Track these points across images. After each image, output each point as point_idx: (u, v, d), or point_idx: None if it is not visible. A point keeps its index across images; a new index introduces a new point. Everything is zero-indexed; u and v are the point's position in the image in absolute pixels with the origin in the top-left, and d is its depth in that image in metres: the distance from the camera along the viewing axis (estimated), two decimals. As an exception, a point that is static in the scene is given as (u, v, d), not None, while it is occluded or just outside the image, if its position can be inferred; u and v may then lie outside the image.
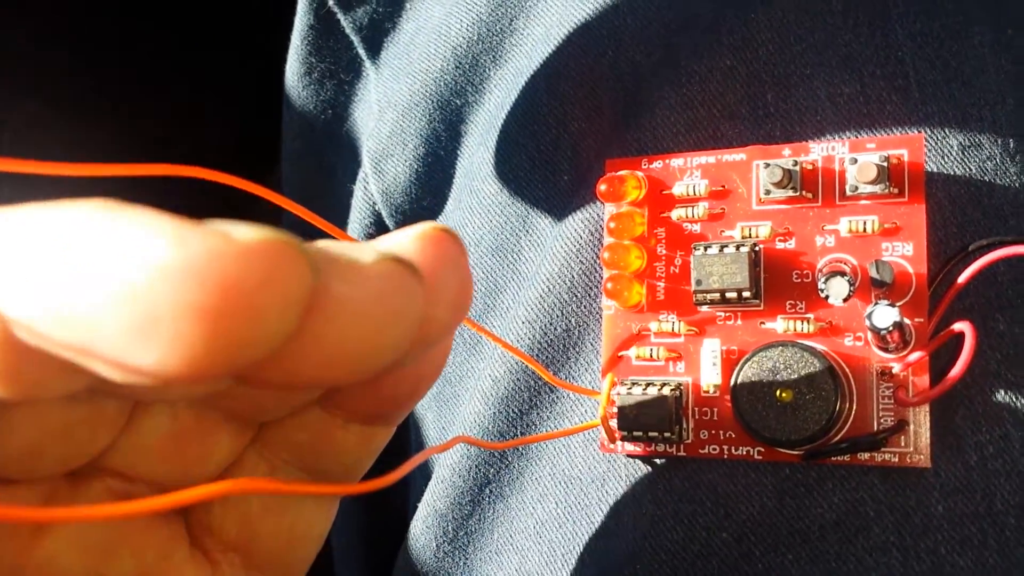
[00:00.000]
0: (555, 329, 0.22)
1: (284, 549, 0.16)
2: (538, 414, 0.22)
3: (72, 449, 0.13)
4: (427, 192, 0.26)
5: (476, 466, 0.22)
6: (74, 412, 0.13)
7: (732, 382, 0.19)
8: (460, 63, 0.26)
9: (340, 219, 0.29)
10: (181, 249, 0.09)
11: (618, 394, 0.20)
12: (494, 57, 0.25)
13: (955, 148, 0.20)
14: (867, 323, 0.17)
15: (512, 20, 0.25)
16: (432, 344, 0.12)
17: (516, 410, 0.22)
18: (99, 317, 0.09)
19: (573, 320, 0.22)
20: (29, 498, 0.13)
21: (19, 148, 0.41)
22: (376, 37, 0.28)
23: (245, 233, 0.09)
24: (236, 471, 0.15)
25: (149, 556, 0.14)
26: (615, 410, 0.20)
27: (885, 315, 0.17)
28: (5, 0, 0.38)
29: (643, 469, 0.20)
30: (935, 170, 0.19)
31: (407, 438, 0.27)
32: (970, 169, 0.19)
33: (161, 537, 0.15)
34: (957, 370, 0.17)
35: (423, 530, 0.23)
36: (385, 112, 0.27)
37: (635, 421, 0.19)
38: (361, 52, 0.29)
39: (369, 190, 0.28)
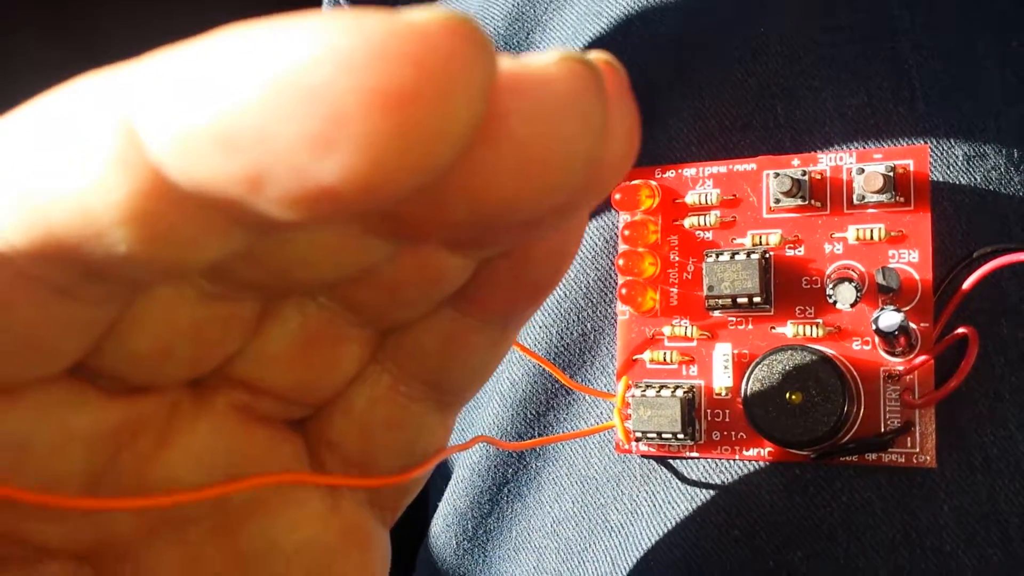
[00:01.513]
0: (571, 333, 0.22)
1: (404, 464, 0.15)
2: (555, 416, 0.23)
3: (202, 351, 0.12)
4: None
5: (495, 466, 0.23)
6: (207, 309, 0.12)
7: (743, 385, 0.19)
8: None
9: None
10: (358, 33, 0.08)
11: (632, 396, 0.20)
12: None
13: (960, 158, 0.20)
14: (873, 327, 0.18)
15: (529, 34, 0.25)
16: (598, 192, 0.11)
17: (534, 412, 0.23)
18: (271, 127, 0.08)
19: (589, 325, 0.22)
20: (154, 411, 0.13)
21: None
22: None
23: (422, 14, 0.08)
24: (359, 385, 0.14)
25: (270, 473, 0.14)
26: (629, 412, 0.21)
27: (891, 319, 0.18)
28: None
29: (657, 469, 0.21)
30: (941, 179, 0.20)
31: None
32: (975, 178, 0.20)
33: (284, 455, 0.14)
34: (960, 373, 0.17)
35: (443, 528, 0.24)
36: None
37: (649, 423, 0.20)
38: None
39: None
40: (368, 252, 0.11)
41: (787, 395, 0.19)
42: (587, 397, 0.22)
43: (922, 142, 0.20)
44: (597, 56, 0.10)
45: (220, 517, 0.13)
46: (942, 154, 0.20)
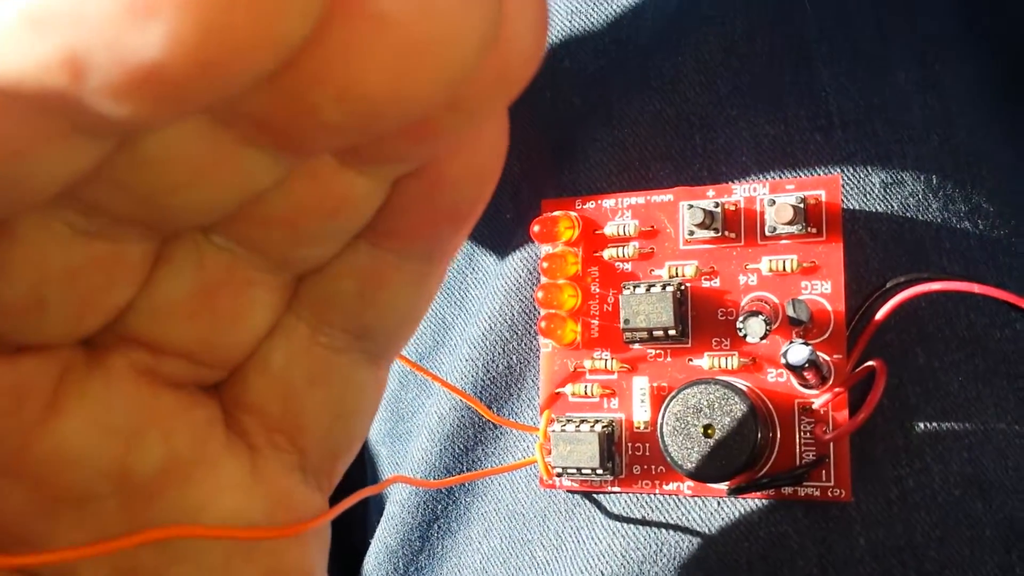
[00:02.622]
0: (497, 366, 0.22)
1: (334, 424, 0.14)
2: (483, 450, 0.22)
3: (84, 302, 0.11)
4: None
5: (424, 503, 0.23)
6: (83, 250, 0.10)
7: (659, 419, 0.19)
8: None
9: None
10: None
11: (553, 431, 0.20)
12: None
13: (877, 185, 0.20)
14: (783, 361, 0.18)
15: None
16: (504, 89, 0.09)
17: (461, 446, 0.23)
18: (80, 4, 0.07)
19: (514, 357, 0.22)
20: (40, 372, 0.11)
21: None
22: None
23: None
24: (275, 339, 0.13)
25: (180, 442, 0.12)
26: (552, 447, 0.20)
27: (799, 354, 0.18)
28: None
29: (581, 504, 0.21)
30: (857, 207, 0.20)
31: (362, 474, 0.27)
32: (892, 206, 0.20)
33: (194, 420, 0.12)
34: (868, 406, 0.17)
35: (375, 566, 0.24)
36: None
37: (569, 458, 0.20)
38: None
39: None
40: (247, 171, 0.10)
41: (702, 429, 0.19)
42: (514, 431, 0.22)
43: (838, 170, 0.20)
44: None
45: (128, 493, 0.12)
46: (859, 182, 0.20)
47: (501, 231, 0.23)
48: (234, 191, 0.10)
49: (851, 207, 0.20)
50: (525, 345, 0.22)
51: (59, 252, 0.10)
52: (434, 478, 0.23)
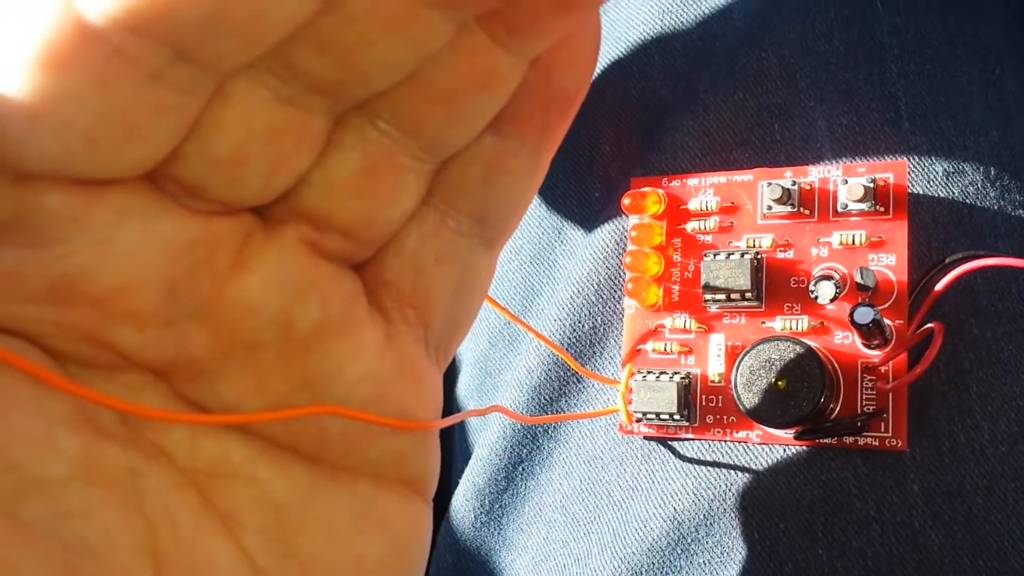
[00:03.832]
0: (583, 326, 0.25)
1: (454, 301, 0.16)
2: (566, 401, 0.25)
3: (275, 160, 0.13)
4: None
5: (511, 446, 0.25)
6: (280, 114, 0.12)
7: (734, 371, 0.21)
8: None
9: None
10: None
11: (635, 381, 0.23)
12: None
13: (940, 174, 0.22)
14: (849, 320, 0.20)
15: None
16: None
17: (547, 397, 0.25)
18: None
19: (599, 319, 0.25)
20: (230, 232, 0.13)
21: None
22: None
23: None
24: (410, 224, 0.15)
25: (333, 306, 0.14)
26: (632, 396, 0.23)
27: (864, 313, 0.20)
28: None
29: (656, 449, 0.23)
30: (921, 192, 0.22)
31: (450, 429, 0.30)
32: (953, 193, 0.22)
33: (346, 289, 0.15)
34: (926, 359, 0.19)
35: (463, 503, 0.26)
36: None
37: (649, 404, 0.22)
38: None
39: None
40: (426, 28, 0.12)
41: (773, 381, 0.21)
42: (595, 384, 0.24)
43: (904, 158, 0.22)
44: None
45: (287, 344, 0.14)
46: (923, 170, 0.22)
47: (590, 208, 0.26)
48: (414, 48, 0.12)
49: (916, 192, 0.22)
50: (609, 308, 0.25)
51: (261, 114, 0.12)
52: (523, 425, 0.25)
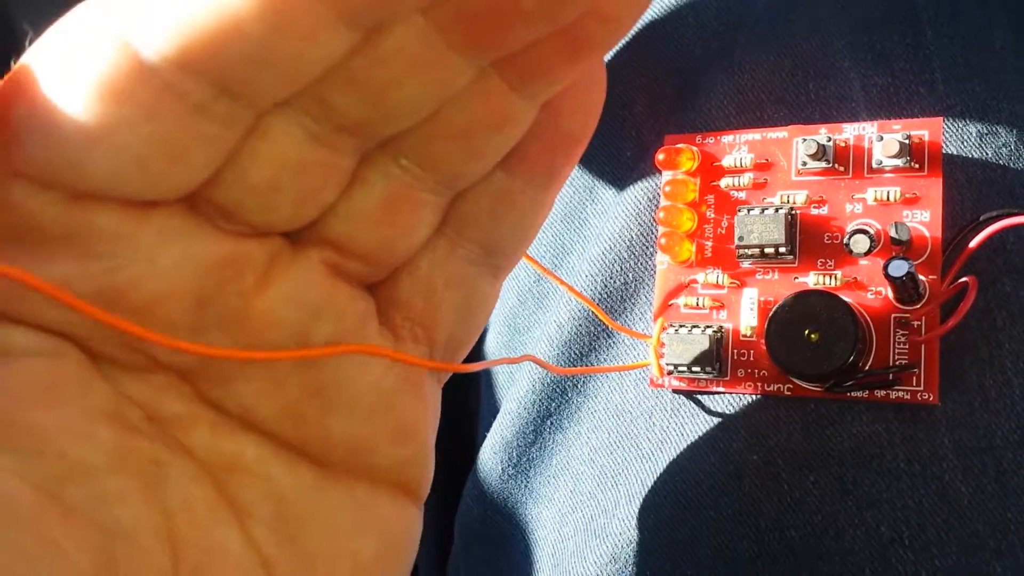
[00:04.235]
0: (614, 282, 0.25)
1: (459, 322, 0.18)
2: (596, 356, 0.25)
3: (306, 193, 0.14)
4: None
5: (539, 400, 0.26)
6: (311, 151, 0.14)
7: (768, 322, 0.21)
8: None
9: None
10: None
11: (667, 334, 0.23)
12: None
13: (974, 135, 0.22)
14: (884, 273, 0.20)
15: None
16: (633, 2, 0.13)
17: (577, 352, 0.25)
18: None
19: (631, 275, 0.25)
20: (258, 252, 0.15)
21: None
22: None
23: None
24: (424, 250, 0.17)
25: (347, 323, 0.16)
26: (663, 351, 0.23)
27: (899, 266, 0.20)
28: None
29: (686, 403, 0.23)
30: (955, 153, 0.22)
31: (479, 382, 0.30)
32: (987, 153, 0.22)
33: (360, 309, 0.16)
34: (960, 312, 0.19)
35: (491, 455, 0.26)
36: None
37: (681, 356, 0.22)
38: None
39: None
40: (449, 71, 0.13)
41: (806, 334, 0.21)
42: (626, 340, 0.25)
43: (940, 117, 0.22)
44: None
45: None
46: (957, 131, 0.22)
47: (622, 167, 0.26)
48: (438, 89, 0.14)
49: (950, 152, 0.22)
50: (641, 265, 0.25)
51: (295, 150, 0.14)
52: (552, 379, 0.25)
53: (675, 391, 0.24)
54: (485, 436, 0.27)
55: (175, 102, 0.12)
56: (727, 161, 0.23)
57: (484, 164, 0.16)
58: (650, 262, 0.25)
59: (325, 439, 0.16)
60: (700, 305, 0.23)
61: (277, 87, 0.13)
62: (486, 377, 0.29)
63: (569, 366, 0.25)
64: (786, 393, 0.22)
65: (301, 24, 0.12)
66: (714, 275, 0.23)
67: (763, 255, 0.22)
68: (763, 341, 0.22)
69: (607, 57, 0.27)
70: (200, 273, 0.14)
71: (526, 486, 0.26)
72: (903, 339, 0.21)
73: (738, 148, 0.23)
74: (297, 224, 0.15)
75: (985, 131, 0.22)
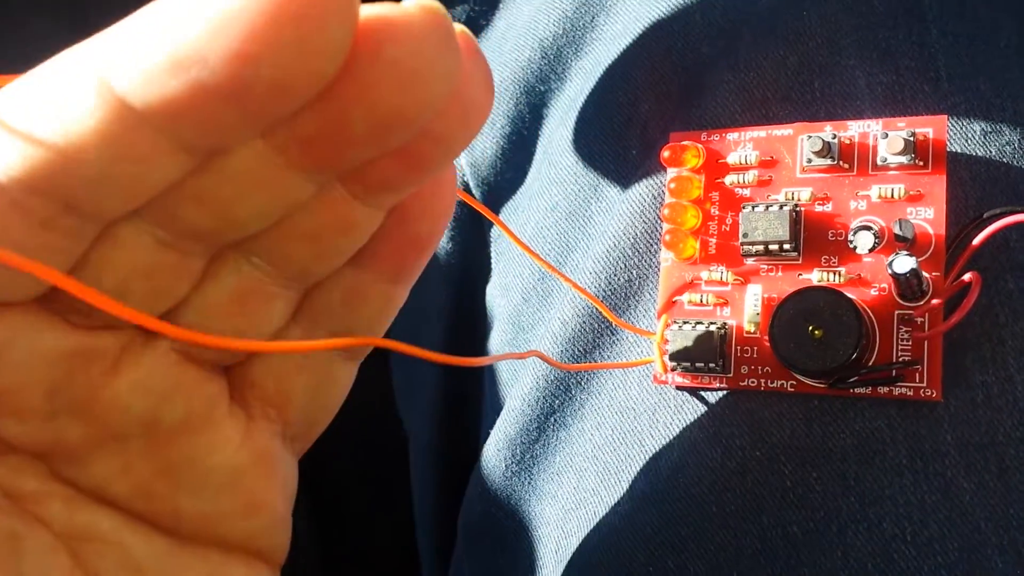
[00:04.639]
0: (618, 279, 0.25)
1: (311, 404, 0.18)
2: (600, 353, 0.25)
3: (155, 294, 0.15)
4: (511, 166, 0.30)
5: (543, 397, 0.26)
6: (160, 256, 0.15)
7: (772, 318, 0.21)
8: (546, 54, 0.29)
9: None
10: None
11: (671, 330, 0.23)
12: (576, 49, 0.29)
13: (978, 133, 0.22)
14: (888, 270, 0.20)
15: (594, 17, 0.28)
16: (470, 131, 0.14)
17: (581, 348, 0.25)
18: (207, 48, 0.11)
19: (634, 272, 0.25)
20: (110, 343, 0.15)
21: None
22: (471, 32, 0.32)
23: None
24: (278, 336, 0.17)
25: (197, 405, 0.17)
26: (667, 347, 0.23)
27: (903, 263, 0.20)
28: None
29: (690, 400, 0.23)
30: (959, 151, 0.22)
31: (483, 379, 0.30)
32: (990, 151, 0.22)
33: (210, 391, 0.17)
34: (963, 308, 0.19)
35: (494, 453, 0.26)
36: (477, 96, 0.31)
37: (685, 353, 0.23)
38: None
39: (459, 163, 0.31)
40: (289, 187, 0.14)
41: (810, 330, 0.21)
42: (630, 337, 0.25)
43: (944, 115, 0.22)
44: (457, 24, 0.14)
45: (154, 435, 0.16)
46: (961, 129, 0.22)
47: (627, 165, 0.26)
48: (279, 202, 0.15)
49: (954, 150, 0.22)
50: (645, 262, 0.25)
51: (145, 255, 0.15)
52: (556, 376, 0.25)
53: (679, 387, 0.24)
54: (489, 433, 0.27)
55: (22, 217, 0.13)
56: (732, 158, 0.23)
57: (332, 263, 0.17)
58: (654, 259, 0.25)
59: (175, 514, 0.17)
60: (704, 302, 0.23)
61: (120, 204, 0.14)
62: (490, 375, 0.29)
63: (573, 363, 0.25)
64: (789, 389, 0.22)
65: (139, 151, 0.13)
66: (718, 272, 0.23)
67: (767, 252, 0.22)
68: (767, 337, 0.22)
69: (611, 58, 0.27)
70: (50, 365, 0.15)
71: (530, 483, 0.26)
72: (906, 336, 0.21)
73: (743, 145, 0.24)
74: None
75: (989, 129, 0.22)
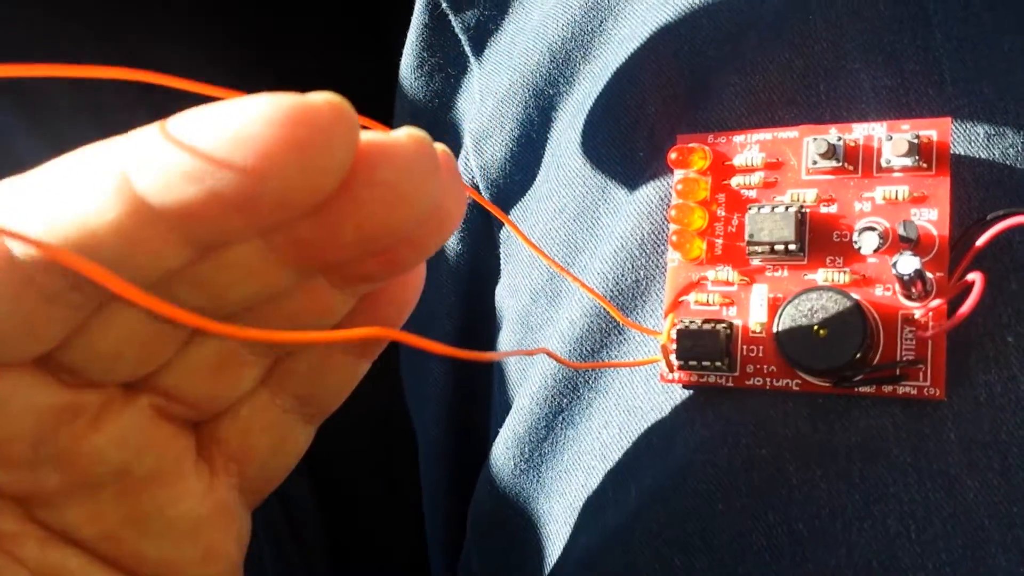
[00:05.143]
0: (625, 280, 0.25)
1: (270, 461, 0.20)
2: (608, 353, 0.26)
3: (145, 358, 0.17)
4: (520, 168, 0.30)
5: (551, 396, 0.26)
6: (155, 326, 0.16)
7: (776, 318, 0.22)
8: (554, 58, 0.30)
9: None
10: (278, 106, 0.13)
11: (677, 329, 0.23)
12: (584, 53, 0.29)
13: (982, 135, 0.23)
14: (893, 270, 0.20)
15: (602, 21, 0.29)
16: (443, 237, 0.16)
17: (589, 348, 0.26)
18: (221, 162, 0.13)
19: (641, 273, 0.25)
20: (93, 399, 0.17)
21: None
22: (481, 36, 0.33)
23: (317, 96, 0.13)
24: (247, 400, 0.19)
25: (167, 459, 0.18)
26: (674, 346, 0.23)
27: (908, 263, 0.20)
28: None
29: (695, 398, 0.24)
30: (963, 153, 0.23)
31: (491, 378, 0.31)
32: (994, 154, 0.22)
33: (179, 446, 0.18)
34: (967, 306, 0.20)
35: (503, 450, 0.27)
36: (486, 99, 0.31)
37: (691, 351, 0.23)
38: (467, 49, 0.33)
39: (469, 166, 0.32)
40: (277, 279, 0.16)
41: (815, 330, 0.21)
42: (637, 337, 0.25)
43: (948, 117, 0.23)
44: (438, 144, 0.16)
45: (124, 485, 0.18)
46: (965, 132, 0.23)
47: (634, 167, 0.27)
48: (266, 291, 0.16)
49: (958, 152, 0.23)
50: (652, 263, 0.25)
51: (138, 327, 0.16)
52: (564, 375, 0.26)
53: (685, 386, 0.24)
54: (497, 431, 0.27)
55: (34, 291, 0.14)
56: (738, 160, 0.24)
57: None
58: (661, 260, 0.25)
59: (139, 559, 0.18)
60: (710, 302, 0.24)
61: (136, 277, 0.15)
62: (499, 373, 0.30)
63: (580, 361, 0.26)
64: (794, 388, 0.22)
65: (151, 243, 0.14)
66: (724, 272, 0.24)
67: (773, 252, 0.22)
68: (772, 337, 0.22)
69: (619, 61, 0.27)
70: (40, 419, 0.16)
71: (538, 481, 0.26)
72: (910, 335, 0.21)
73: (749, 148, 0.24)
74: (133, 380, 0.17)
75: (993, 132, 0.23)
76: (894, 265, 0.21)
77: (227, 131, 0.13)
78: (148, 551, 0.18)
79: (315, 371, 0.19)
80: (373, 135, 0.14)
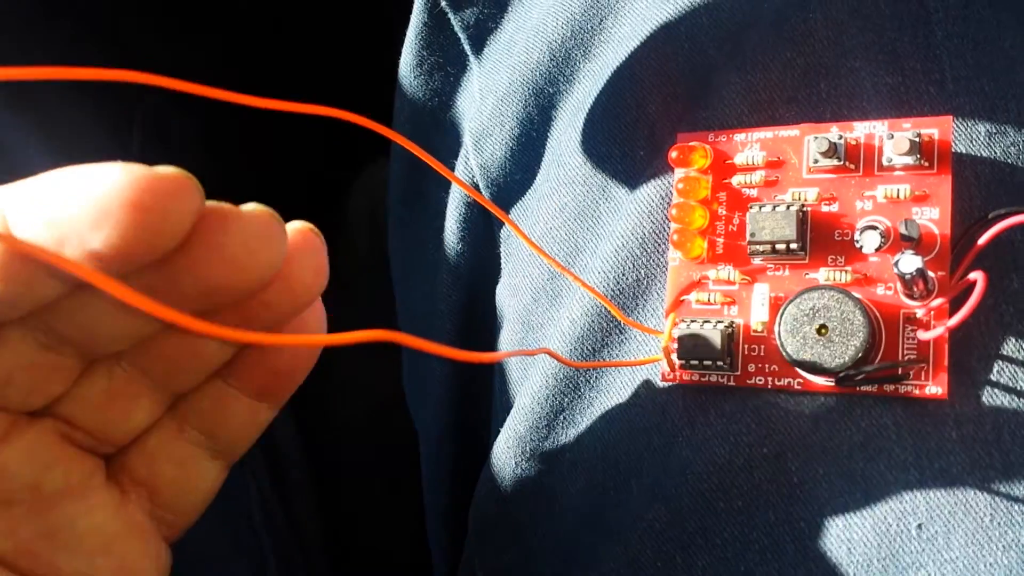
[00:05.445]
0: (627, 279, 0.25)
1: (179, 494, 0.21)
2: (609, 352, 0.25)
3: (35, 385, 0.18)
4: (520, 167, 0.30)
5: (552, 395, 0.26)
6: (41, 355, 0.17)
7: (779, 316, 0.22)
8: (554, 57, 0.29)
9: (442, 189, 0.34)
10: (129, 174, 0.15)
11: (679, 328, 0.23)
12: (584, 52, 0.29)
13: (983, 134, 0.23)
14: (895, 269, 0.20)
15: (602, 20, 0.29)
16: (297, 304, 0.18)
17: (590, 347, 0.26)
18: (75, 214, 0.15)
19: (642, 272, 0.25)
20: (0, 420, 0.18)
21: (149, 145, 0.46)
22: (480, 35, 0.33)
23: (166, 168, 0.15)
24: (154, 432, 0.20)
25: (75, 476, 0.19)
26: (675, 346, 0.23)
27: (910, 262, 0.20)
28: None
29: (697, 398, 0.24)
30: (964, 152, 0.23)
31: (492, 377, 0.31)
32: (995, 152, 0.22)
33: (88, 464, 0.19)
34: (969, 305, 0.20)
35: (504, 450, 0.27)
36: (486, 98, 0.31)
37: (693, 351, 0.23)
38: (467, 48, 0.33)
39: (469, 165, 0.32)
40: (139, 321, 0.18)
41: (816, 329, 0.21)
42: (638, 336, 0.25)
43: (949, 116, 0.23)
44: (300, 224, 0.18)
45: (35, 502, 0.19)
46: (966, 130, 0.23)
47: (635, 166, 0.27)
48: (132, 330, 0.18)
49: (959, 151, 0.23)
50: (653, 262, 0.25)
51: (28, 353, 0.17)
52: (565, 374, 0.26)
53: (686, 385, 0.24)
54: (499, 431, 0.27)
55: None
56: (739, 159, 0.24)
57: (190, 379, 0.20)
58: (662, 259, 0.25)
59: (55, 573, 0.19)
60: (711, 301, 0.24)
61: (6, 313, 0.16)
62: (500, 373, 0.30)
63: (581, 360, 0.26)
64: (796, 387, 0.22)
65: (23, 276, 0.16)
66: (725, 271, 0.24)
67: (774, 251, 0.22)
68: (774, 336, 0.22)
69: (619, 60, 0.27)
70: None
71: (539, 479, 0.26)
72: (912, 334, 0.21)
73: (750, 146, 0.24)
74: (29, 409, 0.18)
75: (994, 130, 0.23)
76: (896, 264, 0.20)
77: (85, 197, 0.15)
78: (63, 565, 0.19)
79: (217, 408, 0.20)
80: (220, 205, 0.16)
